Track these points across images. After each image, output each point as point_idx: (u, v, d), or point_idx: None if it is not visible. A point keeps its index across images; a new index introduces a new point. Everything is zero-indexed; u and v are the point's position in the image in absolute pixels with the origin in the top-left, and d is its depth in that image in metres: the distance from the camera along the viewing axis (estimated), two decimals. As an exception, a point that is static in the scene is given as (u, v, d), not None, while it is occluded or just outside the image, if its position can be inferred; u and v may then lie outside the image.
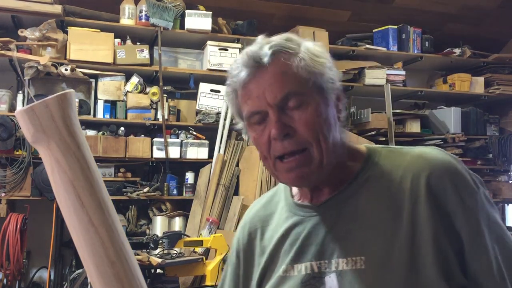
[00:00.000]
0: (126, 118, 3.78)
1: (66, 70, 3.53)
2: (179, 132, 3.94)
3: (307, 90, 0.84)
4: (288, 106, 0.84)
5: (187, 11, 3.89)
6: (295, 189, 0.97)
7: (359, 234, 0.85)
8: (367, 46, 4.38)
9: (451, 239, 0.81)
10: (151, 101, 3.84)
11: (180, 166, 3.99)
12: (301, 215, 0.92)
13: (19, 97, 3.58)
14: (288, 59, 0.84)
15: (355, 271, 0.83)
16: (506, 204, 4.99)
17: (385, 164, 0.89)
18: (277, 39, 0.88)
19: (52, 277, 3.61)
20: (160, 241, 3.19)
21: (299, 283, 0.87)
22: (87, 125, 3.69)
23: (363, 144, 0.96)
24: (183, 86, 4.07)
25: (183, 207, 3.95)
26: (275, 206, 1.00)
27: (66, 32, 3.65)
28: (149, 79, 3.95)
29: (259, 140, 0.87)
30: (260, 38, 0.91)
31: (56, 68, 3.53)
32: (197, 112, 3.99)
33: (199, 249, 3.44)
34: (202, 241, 3.30)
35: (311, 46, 0.87)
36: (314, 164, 0.84)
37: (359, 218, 0.86)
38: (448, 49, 4.73)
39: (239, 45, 4.04)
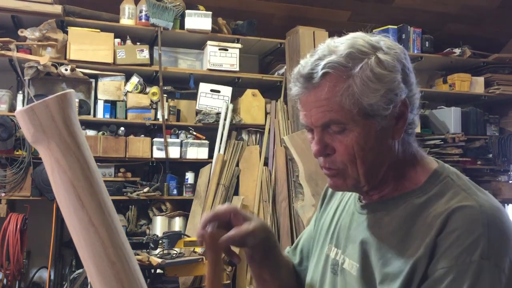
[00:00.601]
0: (126, 118, 3.78)
1: (66, 70, 3.53)
2: (179, 132, 3.94)
3: (349, 118, 0.84)
4: (330, 130, 0.87)
5: (187, 11, 3.89)
6: None
7: (367, 243, 0.90)
8: (367, 46, 4.38)
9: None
10: (151, 101, 3.84)
11: (180, 166, 3.99)
12: (350, 205, 1.01)
13: (19, 97, 3.58)
14: (337, 82, 0.83)
15: (349, 274, 0.92)
16: (506, 204, 4.99)
17: (436, 195, 0.86)
18: (340, 51, 0.84)
19: (52, 277, 3.61)
20: (160, 241, 3.19)
21: (329, 265, 0.99)
22: (87, 125, 3.69)
23: (436, 163, 0.93)
24: (183, 86, 4.07)
25: (183, 207, 3.95)
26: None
27: (66, 32, 3.65)
28: (149, 79, 3.95)
29: (311, 145, 0.92)
30: (328, 43, 0.88)
31: (56, 68, 3.53)
32: (197, 112, 3.99)
33: (199, 249, 3.44)
34: (202, 241, 3.30)
35: (375, 67, 0.83)
36: (350, 180, 0.89)
37: (375, 229, 0.91)
38: (448, 49, 4.73)
39: (239, 45, 4.04)
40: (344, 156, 0.86)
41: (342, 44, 0.85)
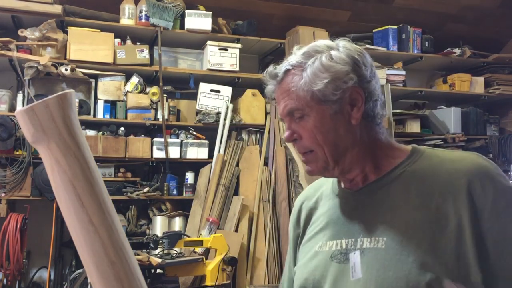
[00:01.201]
0: (126, 118, 3.78)
1: (66, 70, 3.53)
2: (179, 132, 3.94)
3: (305, 104, 0.98)
4: (295, 118, 1.00)
5: (187, 11, 3.89)
6: None
7: (385, 218, 0.96)
8: (367, 46, 4.38)
9: (476, 240, 0.88)
10: (151, 101, 3.84)
11: (180, 166, 3.99)
12: (340, 197, 1.07)
13: (19, 97, 3.58)
14: (293, 77, 1.00)
15: (376, 249, 0.94)
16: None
17: (425, 162, 0.99)
18: (299, 53, 1.02)
19: (52, 277, 3.61)
20: (160, 241, 3.19)
21: (328, 257, 1.00)
22: (87, 125, 3.69)
23: (411, 145, 1.06)
24: (183, 86, 4.07)
25: (183, 207, 3.95)
26: (324, 187, 1.15)
27: (66, 32, 3.65)
28: (149, 79, 3.95)
29: None
30: (295, 49, 1.06)
31: (56, 68, 3.53)
32: (197, 112, 3.99)
33: (199, 249, 3.44)
34: (202, 241, 3.30)
35: (324, 59, 0.98)
36: (320, 162, 1.00)
37: (388, 205, 0.97)
38: (448, 49, 4.73)
39: (239, 45, 4.04)
40: (308, 139, 0.99)
41: (304, 47, 1.03)
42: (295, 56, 1.02)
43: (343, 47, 1.00)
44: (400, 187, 0.97)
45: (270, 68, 1.05)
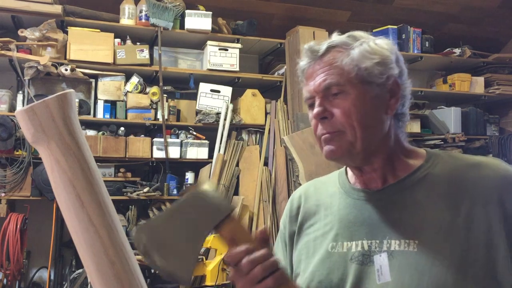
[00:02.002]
0: (126, 118, 3.78)
1: (66, 70, 3.53)
2: (179, 132, 3.94)
3: (348, 81, 0.95)
4: (330, 94, 0.96)
5: (187, 11, 3.89)
6: (351, 174, 1.07)
7: (413, 221, 0.92)
8: (367, 46, 4.38)
9: (510, 245, 0.88)
10: (151, 101, 3.84)
11: (180, 166, 3.98)
12: (355, 198, 1.02)
13: (19, 97, 3.58)
14: (339, 53, 0.97)
15: (407, 252, 0.90)
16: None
17: (446, 166, 0.98)
18: (343, 36, 1.00)
19: (52, 277, 3.61)
20: (160, 241, 3.19)
21: (348, 259, 0.96)
22: (87, 125, 3.69)
23: (424, 148, 1.06)
24: (183, 86, 4.07)
25: (183, 207, 3.95)
26: (327, 187, 1.11)
27: (66, 32, 3.65)
28: (149, 79, 3.95)
29: (312, 122, 1.00)
30: (335, 34, 1.02)
31: (56, 68, 3.53)
32: (197, 112, 3.99)
33: (199, 249, 3.43)
34: (202, 241, 3.30)
35: (371, 43, 0.97)
36: (345, 143, 0.95)
37: (413, 208, 0.94)
38: (448, 49, 4.73)
39: (239, 45, 4.04)
40: (341, 118, 0.94)
41: (343, 35, 1.00)
42: (338, 37, 1.00)
43: (382, 40, 1.00)
44: (424, 189, 0.95)
45: (311, 43, 1.01)
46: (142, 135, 3.84)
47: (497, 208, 0.89)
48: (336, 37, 1.00)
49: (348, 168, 1.10)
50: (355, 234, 0.97)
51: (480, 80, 4.74)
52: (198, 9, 3.95)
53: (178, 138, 3.91)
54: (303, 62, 1.01)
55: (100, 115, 3.72)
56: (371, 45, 0.97)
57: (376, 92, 0.96)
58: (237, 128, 4.09)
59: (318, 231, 1.04)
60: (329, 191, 1.09)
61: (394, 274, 0.89)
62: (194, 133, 3.96)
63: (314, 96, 0.98)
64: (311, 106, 1.00)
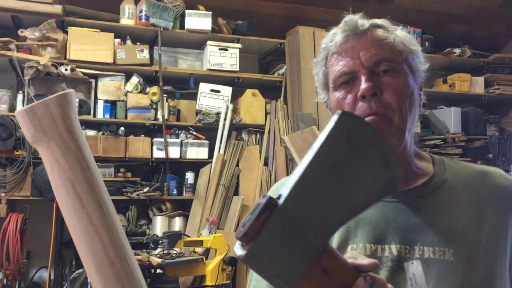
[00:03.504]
0: (126, 118, 3.78)
1: (66, 70, 3.53)
2: (179, 132, 3.94)
3: (400, 60, 0.89)
4: (379, 70, 0.88)
5: (187, 11, 3.89)
6: None
7: (443, 227, 0.87)
8: (367, 46, 4.38)
9: None
10: (151, 101, 3.84)
11: (180, 166, 3.99)
12: None
13: (19, 97, 3.58)
14: (385, 32, 0.91)
15: (443, 261, 0.85)
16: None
17: (457, 172, 0.95)
18: (373, 20, 0.94)
19: (52, 277, 3.61)
20: (160, 241, 3.19)
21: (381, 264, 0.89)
22: (87, 125, 3.69)
23: (426, 152, 1.01)
24: (183, 86, 4.07)
25: (183, 207, 3.95)
26: None
27: (66, 32, 3.65)
28: (149, 79, 3.95)
29: (344, 102, 0.90)
30: (357, 16, 0.95)
31: (56, 68, 3.53)
32: (197, 112, 3.99)
33: (199, 249, 3.44)
34: (202, 241, 3.30)
35: (404, 33, 0.93)
36: (394, 127, 0.87)
37: (440, 214, 0.89)
38: (448, 49, 4.73)
39: (239, 45, 4.04)
40: (393, 96, 0.87)
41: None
42: (375, 20, 0.94)
43: None
44: (446, 195, 0.91)
45: (351, 16, 0.94)
46: (142, 135, 3.84)
47: None
48: (374, 20, 0.94)
49: None
50: (381, 237, 0.89)
51: (480, 80, 4.74)
52: (198, 9, 3.95)
53: (178, 138, 3.91)
54: (340, 36, 0.91)
55: (100, 115, 3.72)
56: (409, 35, 0.93)
57: (416, 81, 0.92)
58: (237, 128, 4.09)
59: None
60: None
61: (432, 284, 0.84)
62: (194, 133, 3.97)
63: (356, 71, 0.88)
64: (344, 85, 0.90)
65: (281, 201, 0.56)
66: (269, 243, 0.55)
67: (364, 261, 0.63)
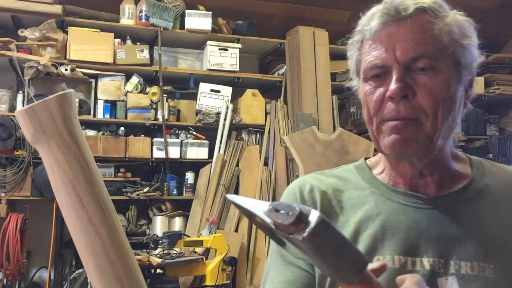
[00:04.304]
0: (126, 118, 3.78)
1: (66, 70, 3.53)
2: (179, 132, 3.94)
3: (443, 57, 0.76)
4: (416, 67, 0.76)
5: (187, 11, 3.89)
6: (379, 171, 0.88)
7: (483, 239, 0.78)
8: (367, 46, 4.38)
9: None
10: (151, 101, 3.84)
11: (180, 166, 3.99)
12: (401, 202, 0.82)
13: (19, 97, 3.58)
14: (432, 19, 0.76)
15: (483, 278, 0.75)
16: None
17: (498, 176, 0.85)
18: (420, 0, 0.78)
19: (52, 277, 3.61)
20: (160, 241, 3.19)
21: None
22: (87, 125, 3.69)
23: (463, 153, 0.92)
24: (183, 86, 4.07)
25: (183, 207, 3.95)
26: (346, 183, 0.89)
27: (66, 32, 3.65)
28: (149, 79, 3.95)
29: (371, 97, 0.79)
30: None
31: (56, 68, 3.53)
32: (197, 112, 4.00)
33: (199, 249, 3.44)
34: (202, 241, 3.30)
35: (460, 17, 0.80)
36: (423, 135, 0.76)
37: (480, 223, 0.79)
38: (448, 49, 4.73)
39: (239, 45, 4.04)
40: (428, 100, 0.75)
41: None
42: (421, 1, 0.77)
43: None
44: (486, 203, 0.81)
45: (388, 2, 0.78)
46: (142, 135, 3.84)
47: None
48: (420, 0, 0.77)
49: (370, 163, 0.91)
50: (412, 248, 0.78)
51: (480, 80, 4.73)
52: (198, 9, 3.95)
53: (178, 138, 3.91)
54: (377, 21, 0.77)
55: (100, 115, 3.72)
56: (465, 21, 0.79)
57: (464, 79, 0.80)
58: (237, 128, 4.09)
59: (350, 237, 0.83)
60: (352, 189, 0.87)
61: None
62: (194, 133, 3.97)
63: (389, 65, 0.76)
64: (375, 79, 0.79)
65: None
66: (329, 234, 0.57)
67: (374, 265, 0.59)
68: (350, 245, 0.58)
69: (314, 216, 0.56)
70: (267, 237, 3.75)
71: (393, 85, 0.75)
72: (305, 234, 0.55)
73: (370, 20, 0.79)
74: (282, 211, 0.56)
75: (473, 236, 0.78)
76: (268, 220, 0.58)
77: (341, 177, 0.90)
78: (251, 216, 0.61)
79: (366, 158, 0.94)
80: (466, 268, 0.76)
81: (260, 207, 0.59)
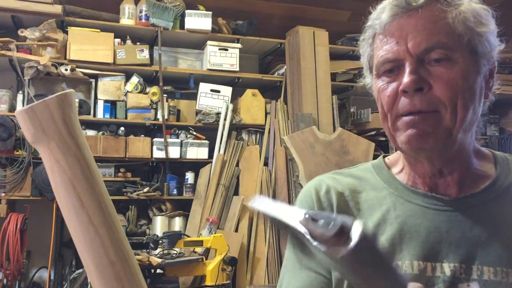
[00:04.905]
0: (126, 118, 3.78)
1: (66, 70, 3.53)
2: (179, 132, 3.94)
3: (458, 46, 0.73)
4: (430, 59, 0.73)
5: (187, 11, 3.89)
6: (398, 170, 0.84)
7: (507, 243, 0.74)
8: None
9: None
10: (151, 101, 3.84)
11: (180, 166, 3.99)
12: (420, 204, 0.79)
13: (19, 97, 3.58)
14: (445, 7, 0.73)
15: (507, 284, 0.72)
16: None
17: None
18: None
19: (52, 277, 3.61)
20: (160, 241, 3.19)
21: (423, 285, 0.75)
22: (87, 125, 3.69)
23: (485, 148, 0.87)
24: (183, 86, 4.07)
25: (183, 207, 3.95)
26: (363, 183, 0.85)
27: (66, 32, 3.65)
28: (149, 79, 3.95)
29: (384, 93, 0.76)
30: None
31: (56, 68, 3.53)
32: (197, 112, 4.00)
33: (199, 249, 3.44)
34: (202, 241, 3.30)
35: (476, 5, 0.77)
36: (442, 128, 0.72)
37: (503, 226, 0.75)
38: (448, 49, 4.73)
39: (239, 45, 4.04)
40: (445, 91, 0.71)
41: None
42: None
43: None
44: (510, 203, 0.77)
45: None
46: (142, 135, 3.84)
47: None
48: None
49: (389, 162, 0.87)
50: (431, 252, 0.75)
51: (480, 80, 4.73)
52: (198, 9, 3.95)
53: (178, 138, 3.91)
54: (387, 13, 0.74)
55: (100, 115, 3.72)
56: (480, 8, 0.77)
57: (483, 69, 0.77)
58: (237, 128, 4.09)
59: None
60: (370, 190, 0.83)
61: None
62: (194, 133, 3.97)
63: (402, 59, 0.73)
64: (388, 73, 0.76)
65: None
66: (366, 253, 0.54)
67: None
68: (391, 265, 0.55)
69: (357, 230, 0.52)
70: (267, 237, 3.75)
71: (406, 78, 0.72)
72: (347, 249, 0.52)
73: (380, 13, 0.76)
74: (320, 221, 0.53)
75: (497, 239, 0.74)
76: (302, 229, 0.54)
77: (359, 176, 0.86)
78: (279, 223, 0.57)
79: (384, 156, 0.90)
80: (489, 274, 0.73)
81: (292, 215, 0.55)
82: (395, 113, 0.75)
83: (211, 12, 3.92)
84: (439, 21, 0.73)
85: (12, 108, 3.61)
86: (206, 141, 3.95)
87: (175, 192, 3.89)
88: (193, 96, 4.03)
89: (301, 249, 0.80)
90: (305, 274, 0.82)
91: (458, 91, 0.72)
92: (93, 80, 3.75)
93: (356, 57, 0.87)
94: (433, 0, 0.74)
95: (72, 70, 3.55)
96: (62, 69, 3.54)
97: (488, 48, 0.77)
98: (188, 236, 3.34)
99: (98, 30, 3.71)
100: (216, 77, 4.02)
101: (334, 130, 3.93)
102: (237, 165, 3.96)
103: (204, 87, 3.99)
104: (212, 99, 3.99)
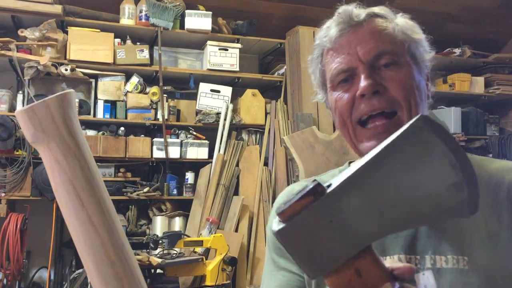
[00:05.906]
0: (126, 118, 3.78)
1: (66, 70, 3.53)
2: (179, 132, 3.94)
3: (402, 52, 0.82)
4: (380, 64, 0.81)
5: (187, 11, 3.89)
6: None
7: (458, 232, 0.78)
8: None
9: None
10: (151, 101, 3.84)
11: (180, 166, 3.99)
12: None
13: (19, 97, 3.58)
14: (383, 22, 0.84)
15: (457, 270, 0.76)
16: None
17: (480, 169, 0.82)
18: (370, 8, 0.86)
19: (52, 277, 3.61)
20: (160, 241, 3.19)
21: None
22: (87, 125, 3.70)
23: None
24: (183, 86, 4.07)
25: (183, 207, 3.95)
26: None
27: (66, 32, 3.65)
28: (149, 79, 3.95)
29: (341, 101, 0.82)
30: (352, 6, 0.86)
31: (56, 68, 3.53)
32: (197, 112, 4.00)
33: (199, 249, 3.44)
34: (202, 241, 3.30)
35: (407, 19, 0.87)
36: None
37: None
38: (448, 49, 4.73)
39: (239, 45, 4.05)
40: (399, 91, 0.79)
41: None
42: (372, 8, 0.86)
43: None
44: None
45: (345, 7, 0.86)
46: (142, 135, 3.84)
47: None
48: (371, 8, 0.86)
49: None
50: (388, 247, 0.80)
51: (480, 80, 4.74)
52: (198, 9, 3.95)
53: (178, 138, 3.91)
54: (335, 29, 0.84)
55: (100, 115, 3.72)
56: (411, 20, 0.87)
57: (422, 72, 0.84)
58: (237, 128, 4.09)
59: None
60: None
61: None
62: (194, 133, 3.97)
63: (354, 67, 0.81)
64: (343, 83, 0.82)
65: (330, 189, 0.53)
66: (305, 226, 0.52)
67: (398, 264, 0.56)
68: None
69: (295, 217, 0.52)
70: (267, 238, 3.74)
71: (362, 83, 0.79)
72: (273, 229, 0.53)
73: (328, 31, 0.85)
74: (284, 203, 0.54)
75: (447, 230, 0.79)
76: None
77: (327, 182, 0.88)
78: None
79: (350, 162, 0.96)
80: (441, 262, 0.77)
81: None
82: (354, 118, 0.81)
83: (211, 12, 3.93)
84: (382, 31, 0.82)
85: (12, 108, 3.61)
86: (206, 141, 3.95)
87: (175, 192, 3.89)
88: (193, 96, 4.03)
89: (276, 251, 0.90)
90: (281, 275, 0.88)
91: (410, 90, 0.80)
92: (93, 80, 3.76)
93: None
94: (373, 16, 0.84)
95: (72, 70, 3.55)
96: (62, 69, 3.54)
97: (423, 53, 0.86)
98: (188, 236, 3.34)
99: (98, 30, 3.71)
100: (216, 77, 4.03)
101: (334, 130, 3.93)
102: (237, 165, 3.96)
103: (204, 87, 3.99)
104: (212, 99, 4.00)
